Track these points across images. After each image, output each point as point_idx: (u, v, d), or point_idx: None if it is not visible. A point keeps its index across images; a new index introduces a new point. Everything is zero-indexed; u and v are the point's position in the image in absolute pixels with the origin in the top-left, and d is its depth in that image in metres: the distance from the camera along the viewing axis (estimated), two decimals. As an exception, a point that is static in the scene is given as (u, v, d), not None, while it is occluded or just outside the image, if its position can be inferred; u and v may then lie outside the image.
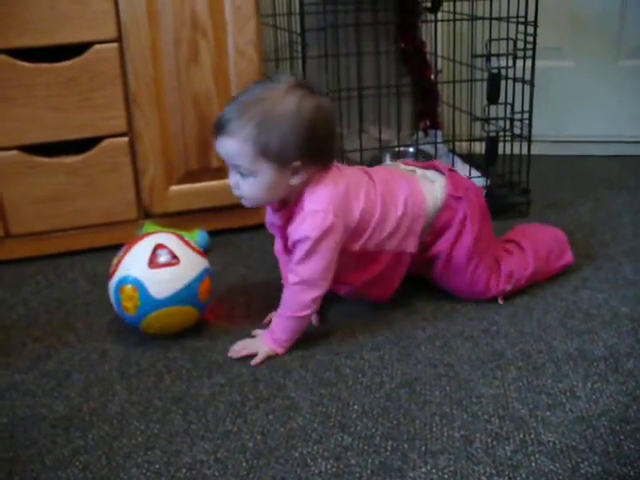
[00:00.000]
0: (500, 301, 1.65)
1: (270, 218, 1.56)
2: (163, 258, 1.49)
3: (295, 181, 1.44)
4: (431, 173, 1.65)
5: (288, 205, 1.50)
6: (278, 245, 1.60)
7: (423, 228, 1.58)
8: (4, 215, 1.92)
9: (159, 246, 1.50)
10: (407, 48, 2.59)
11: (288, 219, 1.49)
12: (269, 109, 1.39)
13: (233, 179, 1.47)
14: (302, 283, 1.45)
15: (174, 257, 1.49)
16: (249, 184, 1.44)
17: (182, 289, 1.49)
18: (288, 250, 1.52)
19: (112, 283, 1.52)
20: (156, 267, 1.48)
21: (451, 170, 1.67)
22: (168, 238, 1.54)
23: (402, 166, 1.69)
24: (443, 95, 2.54)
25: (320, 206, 1.44)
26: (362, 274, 1.57)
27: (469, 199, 1.60)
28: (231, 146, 1.42)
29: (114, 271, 1.52)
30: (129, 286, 1.48)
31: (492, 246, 1.66)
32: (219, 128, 1.42)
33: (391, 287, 1.62)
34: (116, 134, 1.93)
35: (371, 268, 1.56)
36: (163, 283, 1.47)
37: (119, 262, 1.52)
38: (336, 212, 1.44)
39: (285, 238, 1.52)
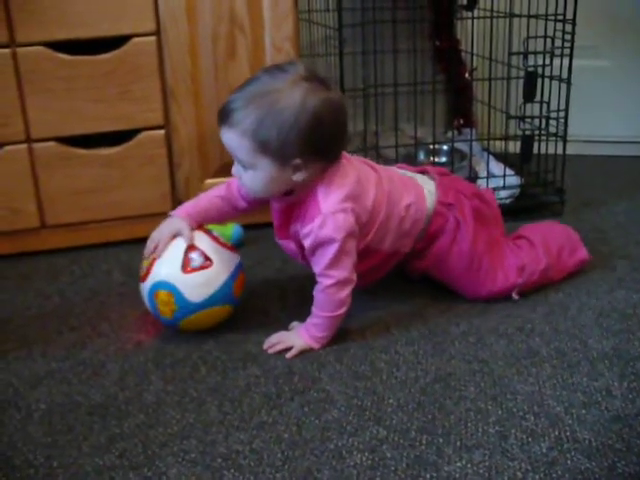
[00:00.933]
0: (515, 296, 1.62)
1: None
2: (196, 262, 1.47)
3: (298, 177, 1.41)
4: (421, 178, 1.64)
5: (292, 194, 1.47)
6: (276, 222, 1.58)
7: (419, 232, 1.58)
8: (41, 206, 1.94)
9: (191, 248, 1.48)
10: (442, 46, 2.59)
11: (292, 210, 1.48)
12: (271, 104, 1.34)
13: (235, 169, 1.45)
14: (337, 284, 1.44)
15: (207, 259, 1.48)
16: (249, 176, 1.42)
17: (217, 290, 1.48)
18: (286, 230, 1.52)
19: (145, 287, 1.50)
20: (190, 272, 1.46)
21: (443, 174, 1.66)
22: (199, 238, 1.51)
23: (395, 169, 1.66)
24: (478, 93, 2.54)
25: (338, 206, 1.42)
26: (362, 265, 1.54)
27: (460, 205, 1.59)
28: (231, 138, 1.39)
29: (146, 275, 1.50)
30: (164, 292, 1.46)
31: (494, 246, 1.63)
32: (222, 117, 1.39)
33: (375, 278, 1.63)
34: (153, 127, 1.95)
35: (364, 263, 1.54)
36: (198, 287, 1.47)
37: (150, 266, 1.50)
38: (353, 209, 1.43)
39: (284, 217, 1.51)
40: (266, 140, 1.35)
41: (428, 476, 1.12)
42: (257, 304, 1.65)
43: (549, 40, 2.03)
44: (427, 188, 1.60)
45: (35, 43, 1.81)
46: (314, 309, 1.48)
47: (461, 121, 2.62)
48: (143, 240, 1.98)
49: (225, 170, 2.00)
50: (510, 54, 2.03)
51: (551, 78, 2.07)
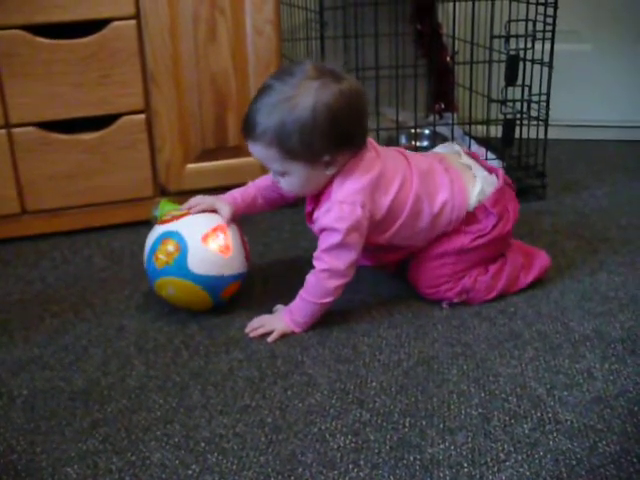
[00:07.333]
0: (444, 305, 1.57)
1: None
2: (218, 241, 1.50)
3: (331, 171, 1.44)
4: (482, 174, 1.56)
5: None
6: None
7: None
8: (21, 192, 1.92)
9: (220, 228, 1.52)
10: (423, 30, 2.58)
11: (317, 203, 1.50)
12: (289, 111, 1.36)
13: (273, 176, 1.49)
14: (329, 271, 1.45)
15: (227, 247, 1.50)
16: (286, 182, 1.46)
17: (215, 277, 1.49)
18: (311, 219, 1.52)
19: (159, 229, 1.53)
20: (207, 245, 1.49)
21: (508, 184, 1.59)
22: (232, 228, 1.54)
23: (464, 157, 1.62)
24: (459, 77, 2.53)
25: (348, 198, 1.42)
26: (392, 256, 1.61)
27: (499, 220, 1.53)
28: (258, 151, 1.42)
29: (168, 221, 1.53)
30: (174, 242, 1.48)
31: (472, 268, 1.57)
32: (245, 132, 1.43)
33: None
34: (133, 111, 1.93)
35: (396, 254, 1.59)
36: (203, 261, 1.48)
37: (178, 217, 1.53)
38: (363, 203, 1.43)
39: (313, 203, 1.52)
40: (291, 146, 1.38)
41: (412, 458, 1.13)
42: (240, 288, 1.64)
43: (531, 23, 2.03)
44: (481, 186, 1.53)
45: (12, 26, 1.78)
46: (301, 291, 1.49)
47: (442, 105, 2.61)
48: (124, 225, 1.99)
49: (207, 155, 2.01)
50: (492, 37, 2.03)
51: (533, 62, 2.07)
